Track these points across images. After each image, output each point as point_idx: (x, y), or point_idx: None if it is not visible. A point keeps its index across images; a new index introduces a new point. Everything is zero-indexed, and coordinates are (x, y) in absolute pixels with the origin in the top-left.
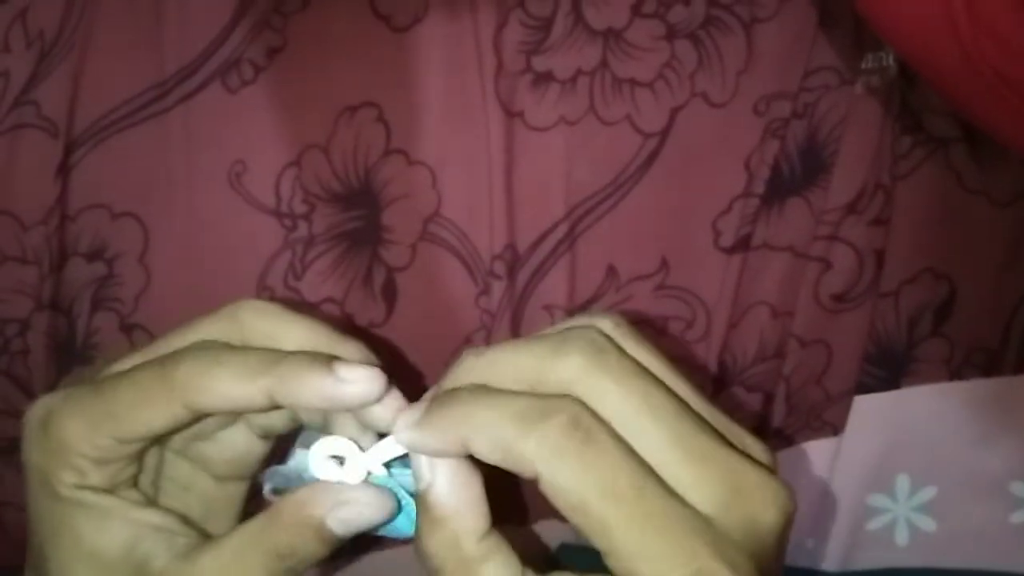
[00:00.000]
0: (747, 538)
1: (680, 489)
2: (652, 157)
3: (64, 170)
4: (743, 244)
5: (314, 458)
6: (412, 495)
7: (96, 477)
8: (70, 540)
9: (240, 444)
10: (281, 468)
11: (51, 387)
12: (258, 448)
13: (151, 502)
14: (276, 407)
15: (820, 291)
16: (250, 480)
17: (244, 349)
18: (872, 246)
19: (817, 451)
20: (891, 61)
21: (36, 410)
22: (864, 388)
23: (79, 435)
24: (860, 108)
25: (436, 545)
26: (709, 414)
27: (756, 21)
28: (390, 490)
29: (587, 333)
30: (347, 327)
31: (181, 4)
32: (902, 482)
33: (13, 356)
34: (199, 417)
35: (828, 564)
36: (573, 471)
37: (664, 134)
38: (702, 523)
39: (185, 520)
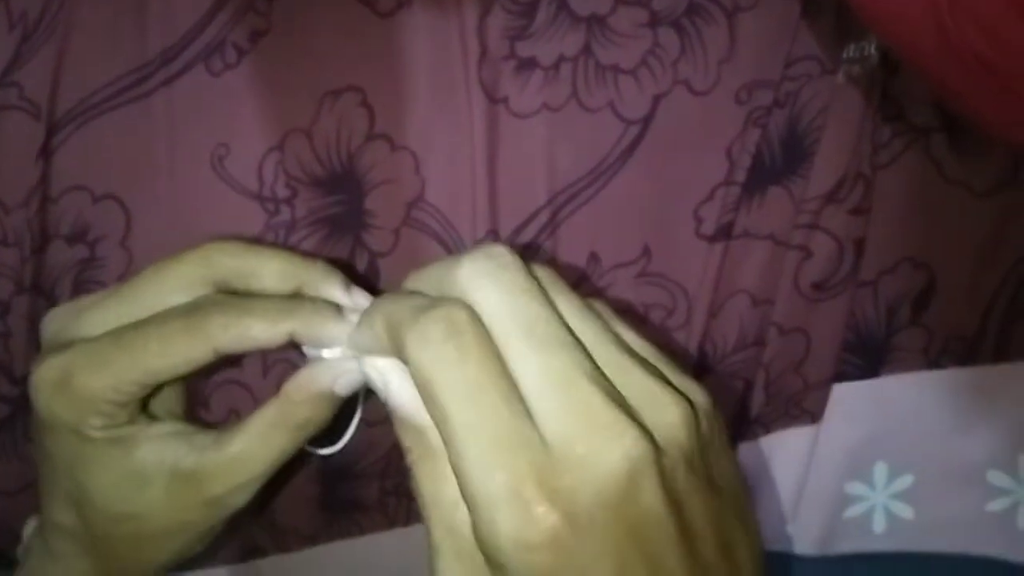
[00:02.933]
0: (579, 476)
1: (534, 412)
2: (634, 144)
3: (46, 152)
4: (724, 232)
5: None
6: None
7: (120, 416)
8: (108, 472)
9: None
10: None
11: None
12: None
13: (158, 416)
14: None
15: (800, 280)
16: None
17: (262, 298)
18: (852, 235)
19: (796, 439)
20: (873, 50)
21: (47, 371)
22: (843, 376)
23: (107, 385)
24: (841, 97)
25: (407, 440)
26: (620, 355)
27: (739, 10)
28: None
29: (496, 251)
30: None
31: None
32: (880, 470)
33: None
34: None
35: (805, 549)
36: (430, 361)
37: (646, 121)
38: (536, 444)
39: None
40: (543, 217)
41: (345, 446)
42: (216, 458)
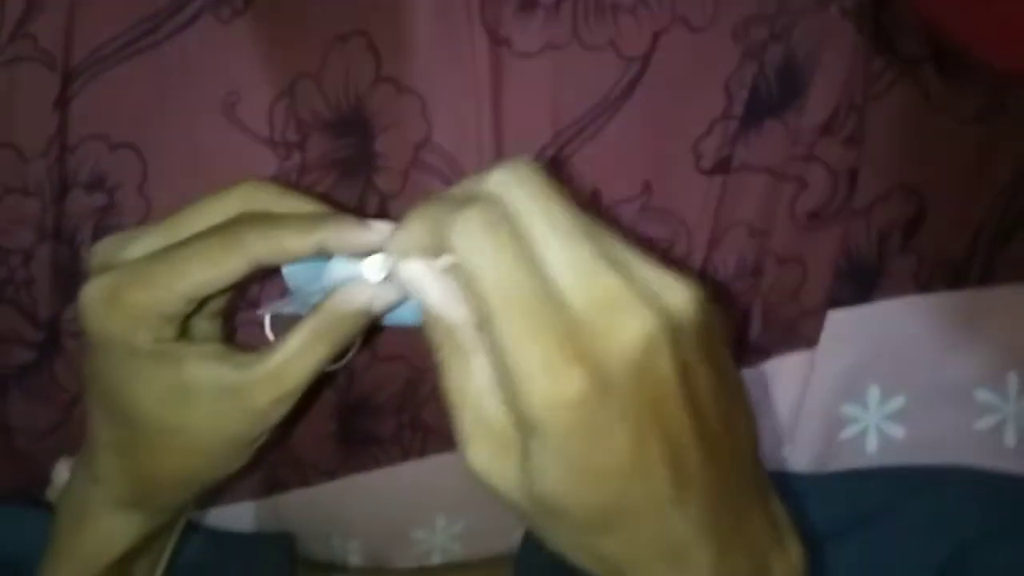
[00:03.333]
0: (604, 346)
1: (561, 295)
2: (635, 81)
3: (62, 102)
4: (723, 166)
5: (339, 269)
6: None
7: (167, 331)
8: (157, 386)
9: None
10: (282, 303)
11: (57, 316)
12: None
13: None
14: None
15: (796, 209)
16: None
17: (294, 215)
18: (846, 165)
19: (792, 364)
20: None
21: (96, 290)
22: (837, 303)
23: (154, 299)
24: (835, 30)
25: (438, 337)
26: (627, 249)
27: None
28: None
29: (521, 163)
30: None
31: None
32: (873, 392)
33: (18, 286)
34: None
35: (801, 468)
36: (472, 244)
37: (646, 59)
38: (566, 318)
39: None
40: (547, 155)
41: (361, 382)
42: (259, 371)
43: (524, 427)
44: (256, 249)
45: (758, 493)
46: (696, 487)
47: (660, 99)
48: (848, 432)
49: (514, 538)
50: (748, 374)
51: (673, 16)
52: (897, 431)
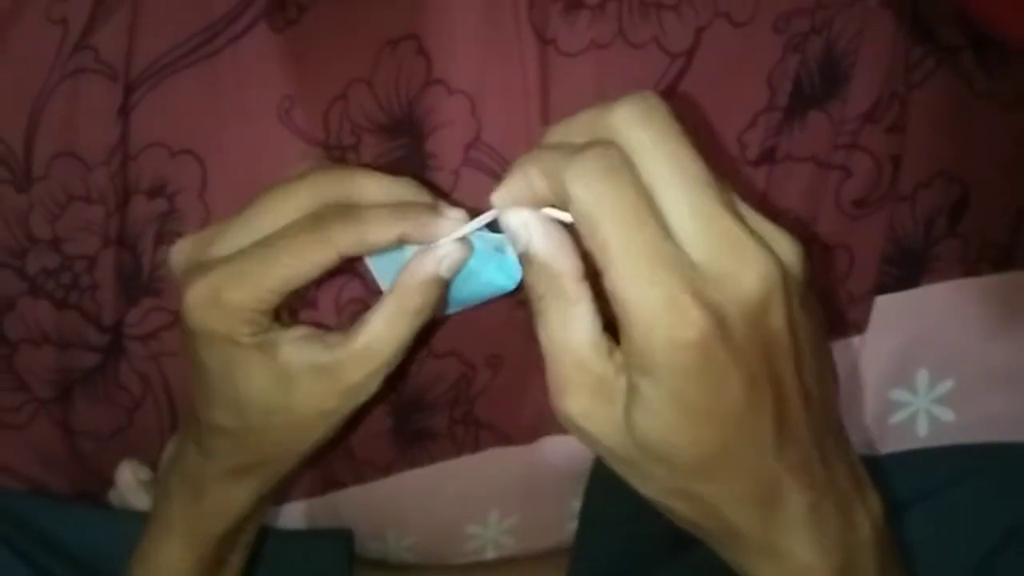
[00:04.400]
0: (725, 292)
1: (681, 241)
2: (679, 77)
3: (124, 111)
4: (768, 157)
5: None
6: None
7: (263, 322)
8: (259, 373)
9: None
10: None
11: (120, 320)
12: None
13: (291, 323)
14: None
15: (842, 197)
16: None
17: (374, 206)
18: (889, 152)
19: (842, 350)
20: None
21: (198, 292)
22: (884, 288)
23: (252, 296)
24: (875, 21)
25: (541, 287)
26: (740, 200)
27: None
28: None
29: (648, 96)
30: None
31: None
32: (922, 376)
33: (83, 291)
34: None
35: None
36: (591, 192)
37: (690, 54)
38: (687, 264)
39: None
40: None
41: (415, 378)
42: (350, 349)
43: (638, 369)
44: (342, 242)
45: (842, 446)
46: (795, 434)
47: (704, 94)
48: (898, 417)
49: (567, 531)
50: None
51: (715, 12)
52: (947, 414)
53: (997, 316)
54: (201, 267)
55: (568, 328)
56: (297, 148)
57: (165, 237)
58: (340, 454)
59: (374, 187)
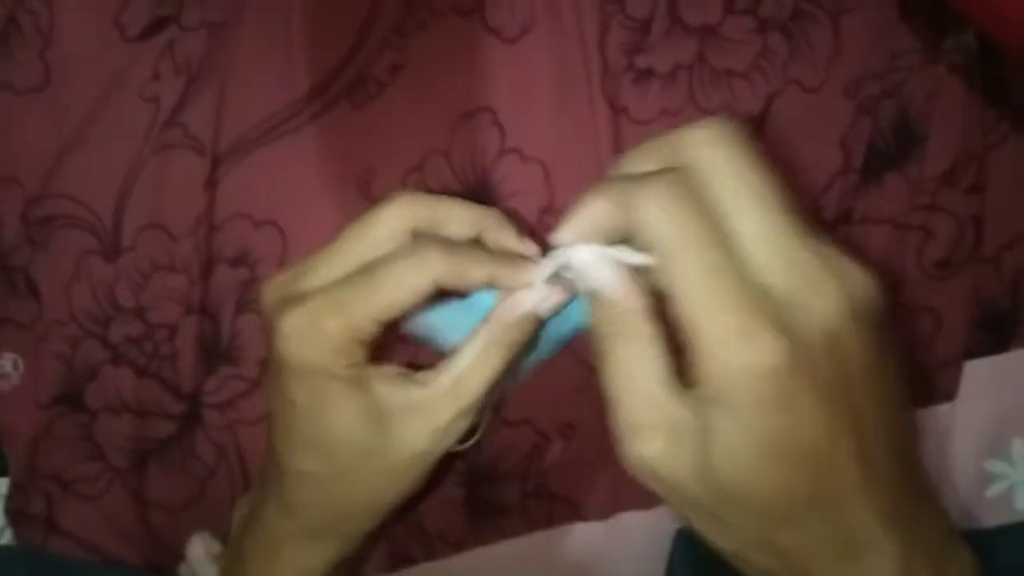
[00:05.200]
0: (800, 320)
1: (753, 263)
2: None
3: (211, 184)
4: (845, 218)
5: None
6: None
7: (359, 354)
8: (353, 409)
9: None
10: (432, 314)
11: (198, 388)
12: None
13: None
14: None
15: (924, 259)
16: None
17: (467, 244)
18: (970, 212)
19: (932, 418)
20: (971, 39)
21: (295, 320)
22: (973, 353)
23: (351, 325)
24: (946, 84)
25: (610, 325)
26: (808, 223)
27: (842, 11)
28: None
29: (722, 122)
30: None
31: (311, 29)
32: (1018, 446)
33: (163, 360)
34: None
35: None
36: (664, 216)
37: (762, 118)
38: (761, 290)
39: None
40: None
41: (488, 447)
42: (441, 386)
43: (713, 403)
44: (439, 268)
45: (930, 496)
46: (882, 477)
47: (777, 157)
48: (995, 489)
49: None
50: None
51: (786, 79)
52: None
53: None
54: (295, 299)
55: (639, 367)
56: None
57: (245, 305)
58: (411, 528)
59: (462, 211)
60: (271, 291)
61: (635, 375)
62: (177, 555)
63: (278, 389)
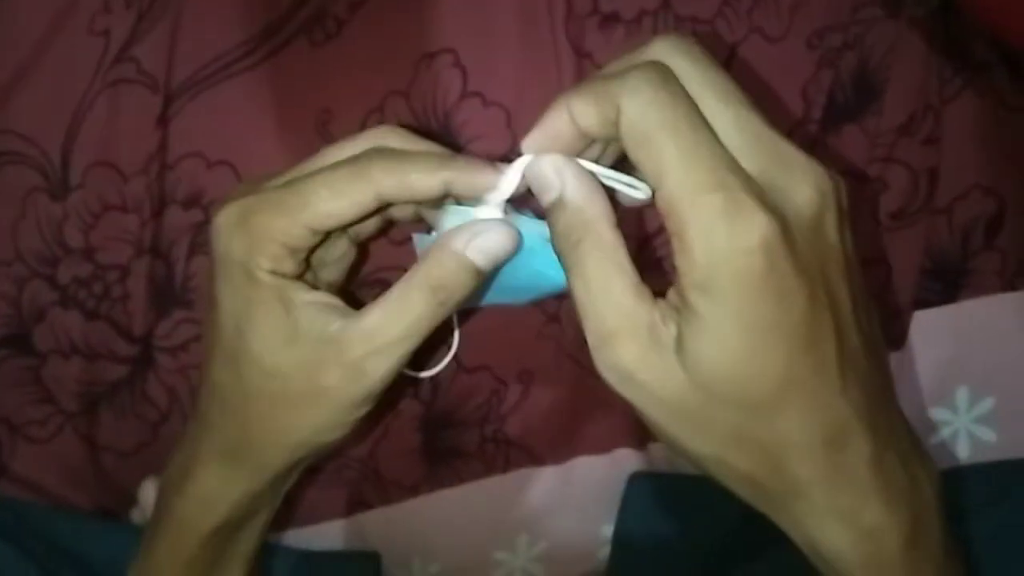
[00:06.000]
0: (782, 201)
1: (736, 153)
2: None
3: (163, 122)
4: None
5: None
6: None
7: (287, 264)
8: (267, 319)
9: (341, 249)
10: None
11: (150, 331)
12: (352, 253)
13: (316, 288)
14: (441, 198)
15: (879, 210)
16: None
17: (421, 151)
18: (926, 165)
19: None
20: None
21: (228, 212)
22: (923, 303)
23: (279, 226)
24: (906, 38)
25: (576, 233)
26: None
27: None
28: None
29: (672, 34)
30: None
31: None
32: (962, 395)
33: (114, 302)
34: (378, 209)
35: None
36: (643, 105)
37: (725, 68)
38: (746, 175)
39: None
40: None
41: (446, 393)
42: (358, 322)
43: (698, 288)
44: (382, 182)
45: (897, 404)
46: (856, 368)
47: None
48: (938, 436)
49: (598, 559)
50: None
51: (750, 27)
52: (988, 434)
53: None
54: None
55: (608, 275)
56: None
57: (199, 247)
58: (367, 473)
59: (425, 145)
60: (229, 196)
61: (606, 283)
62: (129, 499)
63: (210, 289)
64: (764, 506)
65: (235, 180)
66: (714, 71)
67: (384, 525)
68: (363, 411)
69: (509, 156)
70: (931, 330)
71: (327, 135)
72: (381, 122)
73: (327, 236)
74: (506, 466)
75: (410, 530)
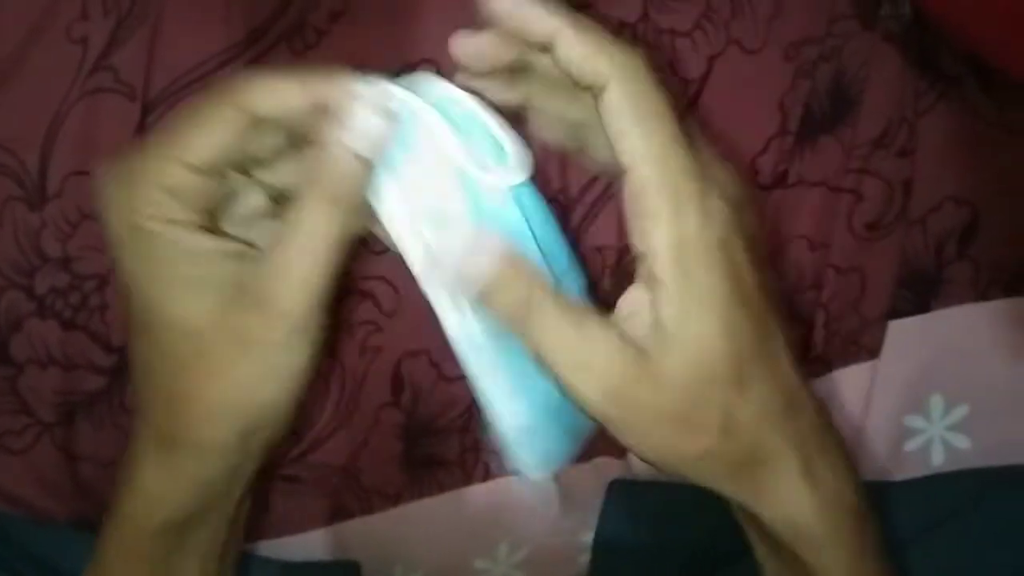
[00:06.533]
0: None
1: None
2: (692, 102)
3: (141, 130)
4: (780, 181)
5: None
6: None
7: (175, 210)
8: (164, 271)
9: (255, 201)
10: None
11: (127, 342)
12: (269, 209)
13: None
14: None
15: (853, 221)
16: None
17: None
18: (900, 176)
19: (855, 375)
20: (906, 8)
21: (112, 171)
22: (897, 312)
23: (152, 168)
24: (881, 51)
25: (511, 313)
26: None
27: None
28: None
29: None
30: None
31: None
32: (936, 402)
33: (92, 312)
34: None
35: (866, 477)
36: (638, 86)
37: (703, 80)
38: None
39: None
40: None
41: (427, 402)
42: (267, 261)
43: (674, 268)
44: (247, 98)
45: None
46: (787, 339)
47: (717, 118)
48: (913, 444)
49: (579, 565)
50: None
51: (728, 39)
52: (962, 441)
53: (1010, 340)
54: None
55: (563, 330)
56: None
57: None
58: (348, 482)
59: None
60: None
61: (560, 341)
62: (107, 510)
63: (117, 261)
64: (744, 489)
65: None
66: (640, 81)
67: (365, 534)
68: (296, 359)
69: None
70: (905, 339)
71: None
72: None
73: (224, 182)
74: (486, 475)
75: (391, 539)
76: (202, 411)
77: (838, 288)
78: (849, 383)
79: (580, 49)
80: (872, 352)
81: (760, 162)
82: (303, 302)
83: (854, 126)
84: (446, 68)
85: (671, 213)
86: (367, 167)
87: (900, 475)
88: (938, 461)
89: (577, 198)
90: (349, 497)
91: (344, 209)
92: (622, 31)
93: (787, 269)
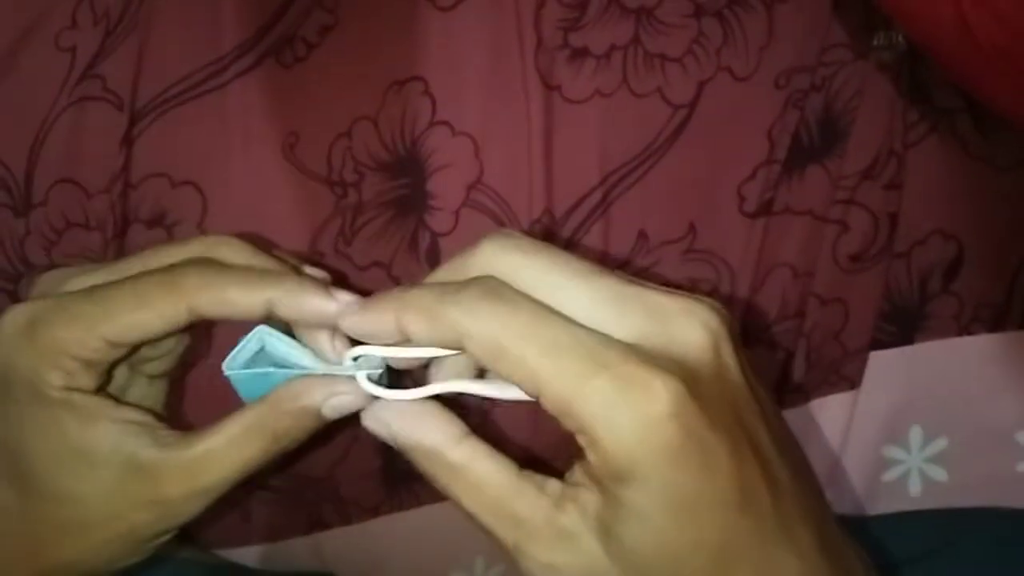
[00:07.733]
0: (674, 354)
1: (603, 329)
2: (681, 127)
3: (128, 140)
4: (766, 209)
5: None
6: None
7: (83, 379)
8: (58, 440)
9: (168, 344)
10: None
11: None
12: (185, 340)
13: (124, 403)
14: (266, 319)
15: (838, 252)
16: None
17: (245, 267)
18: (886, 209)
19: (835, 405)
20: (900, 39)
21: (15, 316)
22: (879, 344)
23: (73, 338)
24: (873, 81)
25: (434, 474)
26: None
27: (777, 1)
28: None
29: (498, 233)
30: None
31: None
32: (915, 434)
33: None
34: (189, 325)
35: (844, 510)
36: (486, 323)
37: (692, 106)
38: (622, 345)
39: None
40: (595, 197)
41: None
42: (178, 455)
43: (615, 479)
44: (196, 296)
45: (831, 512)
46: (797, 509)
47: (705, 144)
48: (890, 475)
49: None
50: (791, 415)
51: (718, 66)
52: (939, 474)
53: (991, 376)
54: (40, 296)
55: (481, 494)
56: (299, 183)
57: None
58: (327, 494)
59: (262, 260)
60: (38, 287)
61: (486, 501)
62: None
63: None
64: None
65: (200, 201)
66: (547, 254)
67: (342, 545)
68: (165, 540)
69: (476, 184)
70: (886, 370)
71: (294, 158)
72: (348, 148)
73: (136, 349)
74: None
75: (368, 551)
76: (57, 566)
77: (820, 318)
78: (828, 413)
79: (426, 324)
80: (852, 383)
81: (746, 189)
82: (201, 511)
83: (842, 156)
84: (435, 84)
85: (595, 424)
86: (315, 421)
87: (877, 505)
88: (915, 492)
89: (562, 221)
90: (328, 508)
91: (283, 447)
92: (612, 54)
93: (770, 297)
